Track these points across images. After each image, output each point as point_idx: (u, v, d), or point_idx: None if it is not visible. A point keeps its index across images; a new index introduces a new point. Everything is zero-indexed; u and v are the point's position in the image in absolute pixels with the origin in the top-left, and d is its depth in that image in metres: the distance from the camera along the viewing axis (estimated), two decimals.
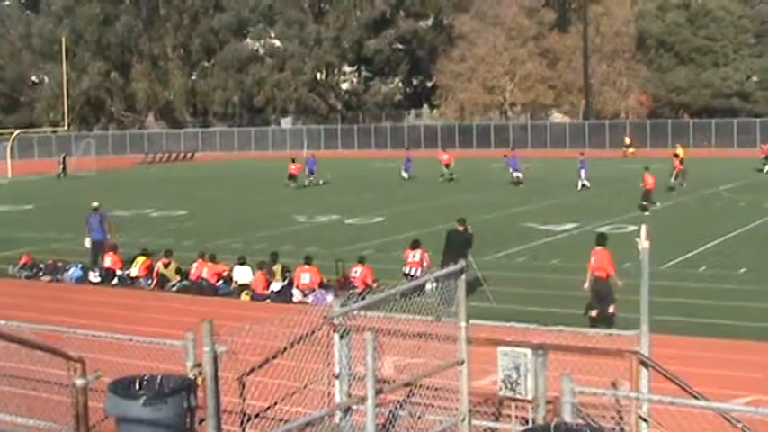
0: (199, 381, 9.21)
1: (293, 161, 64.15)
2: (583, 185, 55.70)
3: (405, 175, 65.80)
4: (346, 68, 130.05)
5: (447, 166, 65.30)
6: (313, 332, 10.86)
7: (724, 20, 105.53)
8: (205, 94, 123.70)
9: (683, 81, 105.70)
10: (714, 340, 20.10)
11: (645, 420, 10.61)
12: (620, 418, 10.77)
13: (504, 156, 65.19)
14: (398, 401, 11.47)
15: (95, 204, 32.42)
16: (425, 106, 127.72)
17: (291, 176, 62.43)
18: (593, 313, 21.22)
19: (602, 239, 22.53)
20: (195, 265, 27.96)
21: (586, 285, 21.73)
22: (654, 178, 45.25)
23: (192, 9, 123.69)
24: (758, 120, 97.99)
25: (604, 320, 20.54)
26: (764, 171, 64.44)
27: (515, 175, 60.60)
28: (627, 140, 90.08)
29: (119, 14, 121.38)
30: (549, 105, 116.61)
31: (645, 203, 44.11)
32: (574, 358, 10.89)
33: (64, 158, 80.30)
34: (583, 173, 56.09)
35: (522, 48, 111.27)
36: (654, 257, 26.44)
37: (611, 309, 21.14)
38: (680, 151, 60.05)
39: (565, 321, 15.22)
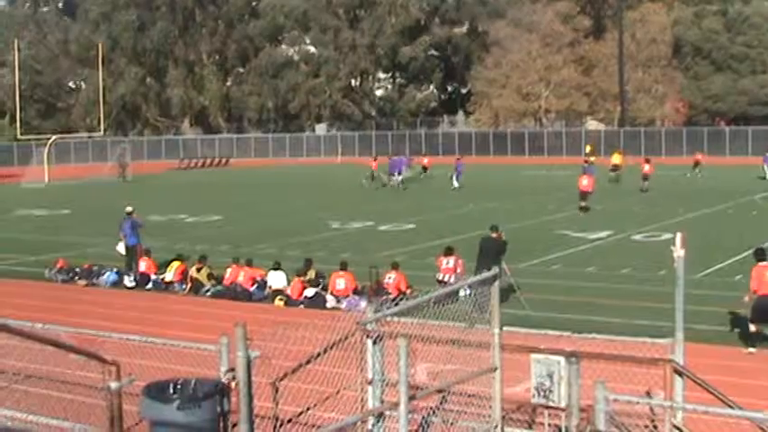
0: (232, 385, 9.24)
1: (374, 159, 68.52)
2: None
3: (456, 183, 63.80)
4: (381, 75, 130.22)
5: (425, 168, 71.46)
6: (346, 338, 10.88)
7: (762, 27, 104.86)
8: (240, 100, 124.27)
9: (719, 88, 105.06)
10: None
11: (679, 430, 10.56)
12: (654, 427, 10.72)
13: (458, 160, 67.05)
14: (431, 408, 11.48)
15: (129, 209, 32.64)
16: (460, 113, 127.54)
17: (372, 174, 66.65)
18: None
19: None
20: (229, 270, 28.05)
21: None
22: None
23: (227, 15, 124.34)
24: None
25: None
26: None
27: (455, 182, 63.21)
28: (588, 148, 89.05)
29: (155, 21, 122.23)
30: (584, 112, 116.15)
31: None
32: (608, 366, 10.86)
33: (123, 162, 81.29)
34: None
35: (557, 54, 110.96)
36: (691, 265, 26.30)
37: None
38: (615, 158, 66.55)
39: (599, 329, 15.16)
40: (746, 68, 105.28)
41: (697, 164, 72.65)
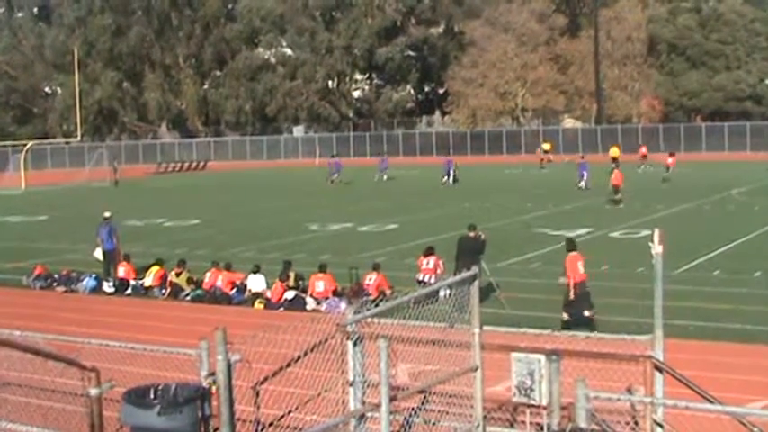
0: (213, 389, 9.22)
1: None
2: (585, 187, 56.97)
3: (448, 180, 67.31)
4: (357, 76, 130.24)
5: (385, 169, 73.67)
6: (326, 340, 10.87)
7: (736, 23, 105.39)
8: (217, 104, 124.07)
9: (695, 85, 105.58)
10: (729, 344, 20.03)
11: (660, 425, 10.58)
12: (635, 423, 10.74)
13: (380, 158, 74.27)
14: (413, 408, 11.47)
15: (107, 215, 32.52)
16: (437, 113, 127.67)
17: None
18: (587, 313, 21.72)
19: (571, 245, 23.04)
20: (209, 274, 27.99)
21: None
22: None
23: (203, 19, 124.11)
24: None
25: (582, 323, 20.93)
26: None
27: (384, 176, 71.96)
28: (546, 146, 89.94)
29: (131, 25, 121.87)
30: (561, 110, 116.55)
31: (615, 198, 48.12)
32: (588, 364, 10.87)
33: (115, 167, 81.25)
34: (585, 174, 57.36)
35: (533, 53, 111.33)
36: (669, 261, 26.46)
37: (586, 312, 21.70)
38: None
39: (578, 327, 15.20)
40: (721, 65, 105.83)
41: (644, 158, 74.25)
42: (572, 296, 21.87)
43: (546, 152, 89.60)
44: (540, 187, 62.18)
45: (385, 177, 73.25)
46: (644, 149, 78.81)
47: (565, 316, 21.65)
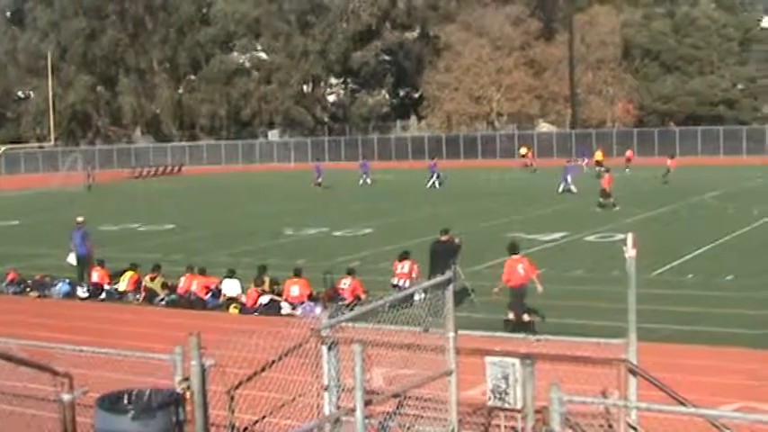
0: (187, 395, 9.19)
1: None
2: (567, 190, 57.20)
3: (433, 183, 68.18)
4: (333, 80, 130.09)
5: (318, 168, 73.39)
6: (301, 345, 10.86)
7: (709, 28, 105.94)
8: (192, 108, 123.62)
9: (668, 89, 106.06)
10: (702, 347, 20.13)
11: (633, 428, 10.64)
12: (609, 426, 10.79)
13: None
14: (388, 413, 11.48)
15: (80, 219, 32.38)
16: (413, 117, 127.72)
17: None
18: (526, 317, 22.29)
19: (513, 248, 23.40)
20: (183, 278, 27.90)
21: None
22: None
23: (178, 23, 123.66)
24: (744, 127, 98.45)
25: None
26: None
27: (367, 180, 72.94)
28: (523, 150, 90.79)
29: (104, 28, 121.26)
30: (536, 115, 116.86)
31: (603, 201, 48.31)
32: (562, 367, 10.90)
33: (89, 171, 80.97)
34: (569, 178, 57.67)
35: (508, 57, 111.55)
36: (642, 265, 26.57)
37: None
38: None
39: (553, 330, 15.25)
40: (695, 70, 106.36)
41: (629, 161, 75.50)
42: (497, 291, 22.53)
43: (523, 155, 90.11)
44: (518, 191, 62.36)
45: (369, 181, 73.62)
46: (629, 153, 79.68)
47: (511, 315, 21.89)
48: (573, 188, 57.74)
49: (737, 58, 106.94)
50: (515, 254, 22.95)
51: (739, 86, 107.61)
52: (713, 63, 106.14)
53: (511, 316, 22.01)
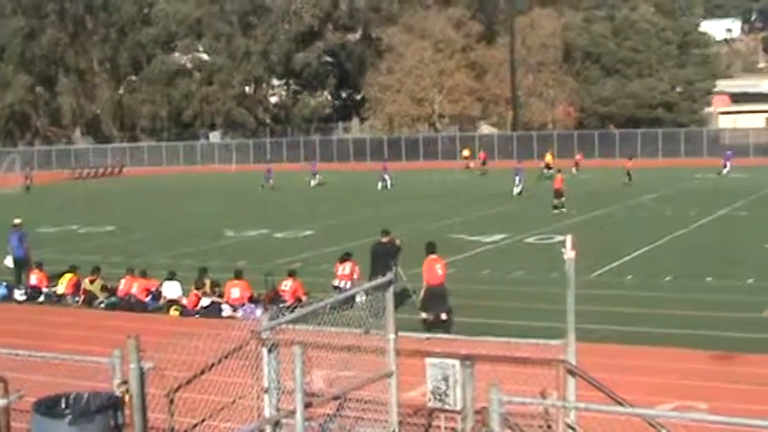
0: (126, 398, 9.13)
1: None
2: (519, 192, 57.72)
3: (384, 185, 68.51)
4: (275, 82, 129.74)
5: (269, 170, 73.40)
6: (241, 347, 10.82)
7: (648, 32, 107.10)
8: (133, 109, 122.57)
9: (608, 92, 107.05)
10: (640, 348, 20.33)
11: (572, 428, 10.71)
12: (548, 426, 10.86)
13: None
14: (328, 415, 11.47)
15: (17, 221, 32.00)
16: (355, 119, 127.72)
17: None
18: (444, 316, 22.28)
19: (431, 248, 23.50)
20: (123, 281, 27.67)
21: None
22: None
23: (118, 23, 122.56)
24: (682, 130, 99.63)
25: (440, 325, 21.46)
26: None
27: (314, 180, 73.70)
28: (465, 152, 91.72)
29: (44, 28, 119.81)
30: (477, 117, 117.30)
31: (557, 202, 48.70)
32: (503, 368, 10.96)
33: (27, 172, 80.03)
34: (517, 179, 58.15)
35: (449, 60, 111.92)
36: (582, 267, 26.73)
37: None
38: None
39: (493, 331, 15.33)
40: (634, 72, 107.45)
41: (577, 165, 76.62)
42: (422, 295, 22.57)
43: (466, 158, 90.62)
44: (461, 193, 62.61)
45: (312, 183, 74.08)
46: (579, 156, 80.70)
47: (423, 315, 22.03)
48: (516, 189, 58.15)
49: (676, 61, 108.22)
50: (433, 253, 23.01)
51: (678, 89, 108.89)
52: (652, 66, 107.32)
53: (423, 315, 22.04)
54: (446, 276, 22.87)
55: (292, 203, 59.32)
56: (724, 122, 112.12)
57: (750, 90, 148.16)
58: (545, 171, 70.68)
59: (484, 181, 73.85)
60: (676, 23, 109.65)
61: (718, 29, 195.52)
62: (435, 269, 22.52)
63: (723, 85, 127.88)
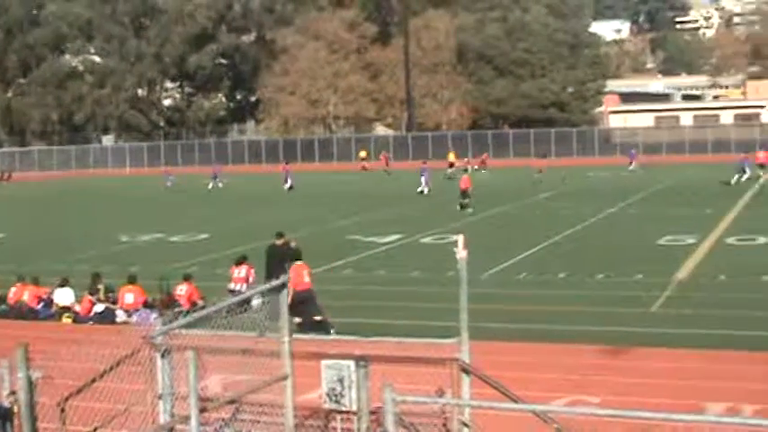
0: (15, 409, 8.97)
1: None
2: (422, 191, 58.40)
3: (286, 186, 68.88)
4: (168, 84, 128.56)
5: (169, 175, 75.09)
6: (133, 353, 10.70)
7: (540, 33, 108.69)
8: (22, 112, 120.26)
9: (502, 92, 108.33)
10: (534, 344, 20.60)
11: (467, 425, 10.82)
12: (444, 425, 10.94)
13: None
14: (224, 419, 11.40)
15: None
16: (250, 121, 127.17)
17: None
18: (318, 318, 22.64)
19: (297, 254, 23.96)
20: (14, 289, 27.10)
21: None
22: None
23: (6, 24, 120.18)
24: (574, 129, 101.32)
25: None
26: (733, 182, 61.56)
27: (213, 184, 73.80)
28: (362, 154, 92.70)
29: None
30: (372, 118, 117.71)
31: (463, 201, 49.01)
32: (399, 368, 11.01)
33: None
34: (423, 179, 58.71)
35: (344, 61, 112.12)
36: (477, 265, 27.00)
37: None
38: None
39: (388, 332, 15.39)
40: (527, 73, 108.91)
41: (483, 164, 78.15)
42: (289, 301, 22.55)
43: (363, 159, 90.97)
44: (357, 194, 62.74)
45: (220, 185, 74.20)
46: (485, 156, 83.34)
47: (296, 320, 22.17)
48: (425, 189, 58.60)
49: (567, 62, 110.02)
50: (299, 260, 23.31)
51: (569, 89, 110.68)
52: (544, 67, 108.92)
53: (296, 320, 22.13)
54: (313, 282, 23.00)
55: (189, 206, 58.82)
56: (614, 122, 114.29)
57: (639, 90, 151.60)
58: (449, 170, 71.60)
59: (386, 182, 74.10)
60: (568, 25, 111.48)
61: (608, 30, 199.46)
62: (302, 275, 22.67)
63: (613, 85, 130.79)
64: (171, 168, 79.46)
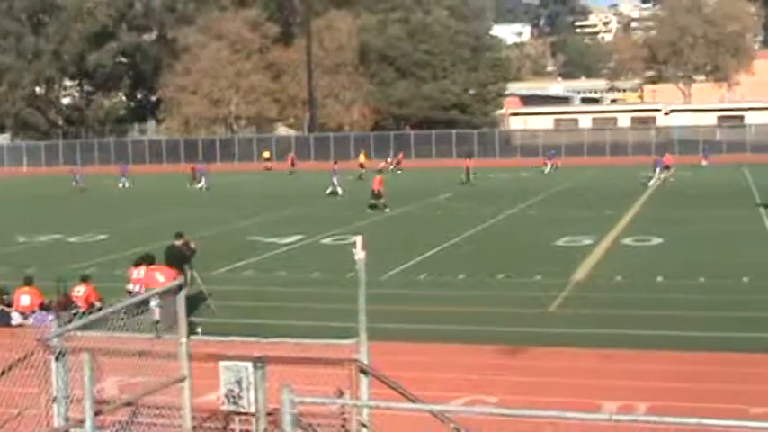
0: None
1: None
2: (333, 192, 58.42)
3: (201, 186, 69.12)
4: (67, 82, 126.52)
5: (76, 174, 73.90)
6: (26, 356, 10.54)
7: (442, 35, 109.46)
8: None
9: (404, 94, 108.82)
10: (434, 345, 20.76)
11: (365, 426, 10.87)
12: (342, 425, 10.99)
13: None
14: (121, 422, 11.29)
15: None
16: (151, 120, 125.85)
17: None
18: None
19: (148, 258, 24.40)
20: None
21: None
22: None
23: None
24: (475, 131, 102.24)
25: None
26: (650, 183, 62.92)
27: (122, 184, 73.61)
28: (266, 154, 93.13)
29: None
30: (274, 119, 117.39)
31: (375, 202, 49.09)
32: (298, 369, 11.02)
33: None
34: (334, 180, 58.86)
35: (246, 61, 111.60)
36: (378, 266, 27.12)
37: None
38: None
39: (289, 333, 15.40)
40: (428, 75, 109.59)
41: (398, 164, 79.27)
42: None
43: (267, 159, 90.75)
44: (259, 194, 62.48)
45: (127, 185, 73.82)
46: (399, 155, 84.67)
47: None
48: (339, 190, 58.48)
49: (469, 64, 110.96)
50: (152, 263, 23.80)
51: (471, 91, 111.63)
52: (446, 69, 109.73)
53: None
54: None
55: (89, 206, 58.00)
56: (515, 124, 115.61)
57: (539, 93, 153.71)
58: (360, 171, 72.23)
59: (289, 182, 73.90)
60: (469, 27, 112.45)
61: (509, 33, 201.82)
62: (155, 278, 22.71)
63: (514, 87, 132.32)
64: (77, 168, 78.04)
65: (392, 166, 79.39)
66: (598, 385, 17.36)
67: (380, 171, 53.82)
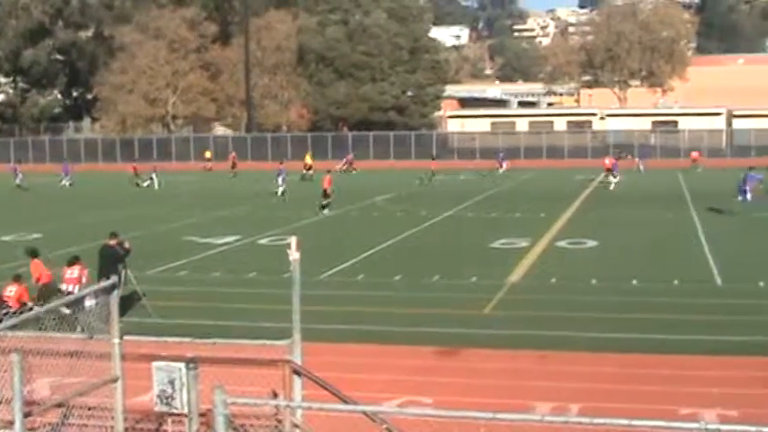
0: None
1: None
2: (280, 192, 57.88)
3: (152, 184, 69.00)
4: (1, 79, 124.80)
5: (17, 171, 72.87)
6: None
7: (381, 37, 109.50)
8: None
9: (342, 95, 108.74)
10: (369, 346, 20.81)
11: (298, 427, 10.87)
12: (276, 426, 10.97)
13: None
14: (52, 424, 11.18)
15: None
16: (86, 119, 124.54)
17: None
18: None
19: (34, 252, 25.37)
20: None
21: None
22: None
23: None
24: (413, 133, 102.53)
25: None
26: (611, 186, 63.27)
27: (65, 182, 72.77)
28: (207, 154, 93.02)
29: None
30: (212, 118, 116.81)
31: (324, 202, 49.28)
32: (232, 370, 10.99)
33: None
34: (280, 180, 58.42)
35: (184, 60, 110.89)
36: (314, 267, 27.09)
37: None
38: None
39: (223, 333, 15.33)
40: (367, 76, 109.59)
41: (350, 164, 79.86)
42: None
43: (208, 159, 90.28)
44: (196, 194, 62.14)
45: (68, 184, 73.15)
46: (350, 156, 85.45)
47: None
48: (280, 190, 58.22)
49: (407, 66, 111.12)
50: (36, 257, 24.91)
51: (409, 93, 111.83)
52: (384, 70, 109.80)
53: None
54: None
55: (24, 205, 57.30)
56: (452, 126, 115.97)
57: (477, 95, 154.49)
58: (305, 172, 72.12)
59: (228, 182, 73.55)
60: (408, 29, 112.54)
61: (448, 36, 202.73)
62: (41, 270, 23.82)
63: (452, 90, 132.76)
64: (20, 165, 77.05)
65: (342, 168, 79.38)
66: (533, 387, 17.50)
67: (329, 171, 53.71)
